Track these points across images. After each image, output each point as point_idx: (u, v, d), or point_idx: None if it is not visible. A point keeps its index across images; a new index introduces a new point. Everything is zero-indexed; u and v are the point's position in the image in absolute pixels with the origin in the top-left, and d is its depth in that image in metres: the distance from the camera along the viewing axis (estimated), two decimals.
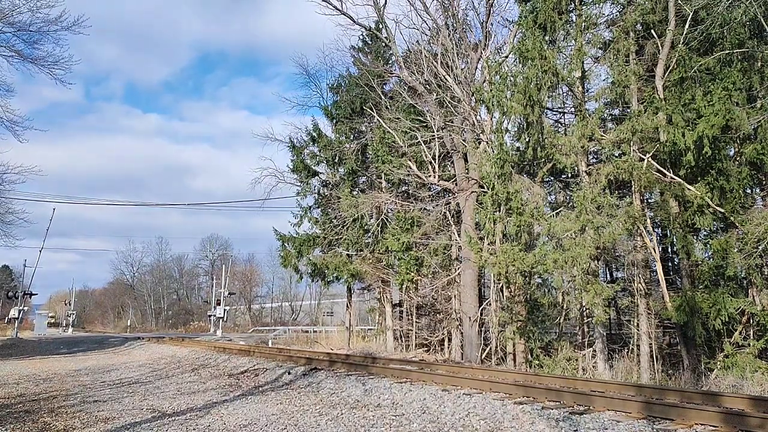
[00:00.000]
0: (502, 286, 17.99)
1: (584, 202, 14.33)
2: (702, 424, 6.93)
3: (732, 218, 13.36)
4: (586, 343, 16.35)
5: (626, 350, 15.79)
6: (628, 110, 16.16)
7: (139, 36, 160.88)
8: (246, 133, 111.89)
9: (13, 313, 48.03)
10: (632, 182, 14.94)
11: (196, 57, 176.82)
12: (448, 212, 22.03)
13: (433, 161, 21.12)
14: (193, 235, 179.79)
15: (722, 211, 13.38)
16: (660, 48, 15.02)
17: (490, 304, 18.64)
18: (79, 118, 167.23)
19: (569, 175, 18.14)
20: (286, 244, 27.44)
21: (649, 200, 16.91)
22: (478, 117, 20.26)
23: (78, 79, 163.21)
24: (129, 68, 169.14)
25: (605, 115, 17.92)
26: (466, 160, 20.78)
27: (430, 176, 21.42)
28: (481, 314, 19.45)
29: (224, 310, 48.72)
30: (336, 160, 27.66)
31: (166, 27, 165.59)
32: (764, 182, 14.66)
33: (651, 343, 14.88)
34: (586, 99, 16.64)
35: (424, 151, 21.23)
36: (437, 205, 22.30)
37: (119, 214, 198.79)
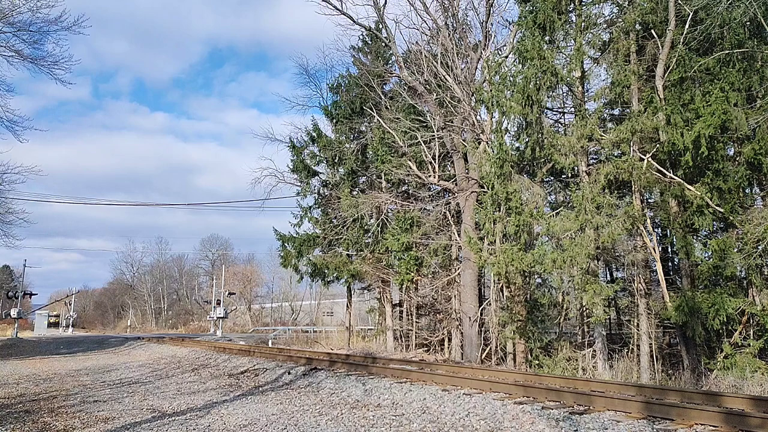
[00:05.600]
0: (501, 286, 17.99)
1: (584, 202, 14.34)
2: (702, 424, 6.94)
3: (731, 218, 13.37)
4: (586, 343, 16.36)
5: (626, 350, 15.79)
6: (628, 110, 16.15)
7: (148, 31, 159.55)
8: (254, 130, 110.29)
9: (14, 313, 48.05)
10: (632, 182, 14.94)
11: (207, 53, 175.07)
12: (448, 212, 22.04)
13: (433, 161, 21.12)
14: (197, 234, 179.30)
15: (722, 211, 13.38)
16: (660, 48, 15.02)
17: (490, 304, 18.64)
18: (86, 115, 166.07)
19: (569, 175, 18.13)
20: (286, 244, 27.46)
21: (649, 200, 16.90)
22: (478, 117, 20.27)
23: (85, 75, 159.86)
24: (137, 65, 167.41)
25: (605, 115, 17.91)
26: (466, 160, 20.79)
27: (430, 176, 21.42)
28: (481, 314, 19.45)
29: (224, 310, 48.74)
30: (336, 160, 27.65)
31: (178, 22, 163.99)
32: (763, 182, 14.66)
33: (651, 343, 14.89)
34: (585, 99, 16.64)
35: (424, 151, 21.23)
36: (437, 205, 22.31)
37: (122, 213, 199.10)
